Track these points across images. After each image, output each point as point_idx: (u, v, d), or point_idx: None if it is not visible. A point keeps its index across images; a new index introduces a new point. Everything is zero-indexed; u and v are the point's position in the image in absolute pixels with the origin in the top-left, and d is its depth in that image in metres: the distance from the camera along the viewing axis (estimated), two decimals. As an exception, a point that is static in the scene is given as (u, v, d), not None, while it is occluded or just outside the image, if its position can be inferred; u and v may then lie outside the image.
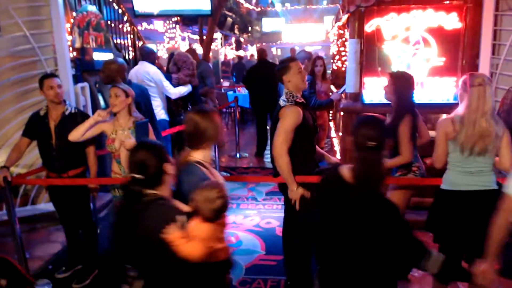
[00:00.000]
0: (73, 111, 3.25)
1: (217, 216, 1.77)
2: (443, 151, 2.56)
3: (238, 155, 6.91)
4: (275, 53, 19.76)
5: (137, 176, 1.80)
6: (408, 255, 1.83)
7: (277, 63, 3.69)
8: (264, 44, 17.37)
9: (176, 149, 4.84)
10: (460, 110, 2.51)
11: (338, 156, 5.00)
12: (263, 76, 6.14)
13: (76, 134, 3.03)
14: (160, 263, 1.78)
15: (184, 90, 5.01)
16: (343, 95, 4.93)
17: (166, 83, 4.78)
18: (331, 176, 1.98)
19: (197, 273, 1.79)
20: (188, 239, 1.71)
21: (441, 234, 2.63)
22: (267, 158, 6.63)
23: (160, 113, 4.73)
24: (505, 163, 2.49)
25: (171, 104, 5.12)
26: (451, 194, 2.55)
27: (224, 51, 15.11)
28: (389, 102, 3.05)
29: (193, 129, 2.08)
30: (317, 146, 3.07)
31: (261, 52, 6.69)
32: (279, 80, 2.83)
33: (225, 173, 6.03)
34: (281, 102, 2.76)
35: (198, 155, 2.09)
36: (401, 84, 2.93)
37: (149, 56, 4.94)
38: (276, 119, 2.75)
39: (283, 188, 2.91)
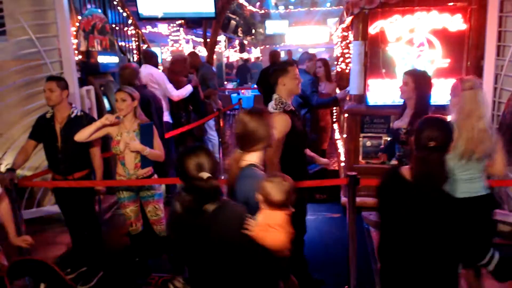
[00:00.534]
0: (79, 114, 3.27)
1: (287, 203, 1.79)
2: None
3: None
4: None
5: (205, 174, 1.72)
6: (472, 251, 1.84)
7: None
8: (267, 46, 17.37)
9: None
10: (452, 116, 2.48)
11: (342, 157, 4.99)
12: None
13: (82, 135, 3.04)
14: (243, 261, 1.77)
15: (185, 92, 5.04)
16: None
17: (169, 86, 4.82)
18: (391, 177, 2.00)
19: (274, 267, 1.82)
20: (268, 229, 1.72)
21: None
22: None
23: (164, 115, 4.76)
24: (499, 168, 2.46)
25: (172, 106, 5.15)
26: None
27: (228, 53, 15.13)
28: (393, 104, 3.05)
29: (243, 130, 2.01)
30: (307, 151, 3.08)
31: (274, 55, 6.74)
32: (274, 82, 2.79)
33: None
34: (270, 109, 2.73)
35: (251, 158, 2.02)
36: (423, 83, 2.92)
37: (151, 59, 4.98)
38: None
39: None
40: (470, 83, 2.42)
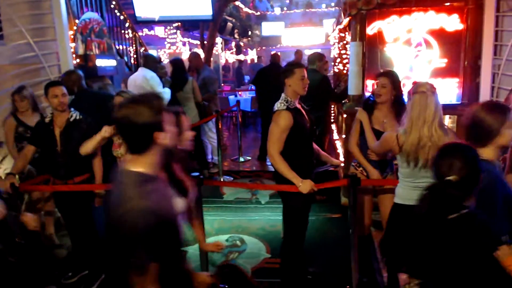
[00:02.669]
0: (78, 117, 3.26)
1: None
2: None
3: (241, 159, 6.92)
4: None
5: (451, 178, 1.60)
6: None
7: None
8: (264, 48, 17.41)
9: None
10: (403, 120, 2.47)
11: (341, 158, 5.00)
12: (273, 78, 6.18)
13: (87, 149, 3.08)
14: (475, 276, 1.62)
15: (167, 96, 5.01)
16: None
17: (160, 90, 4.81)
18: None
19: None
20: None
21: (395, 249, 2.57)
22: (269, 162, 6.63)
23: None
24: None
25: None
26: (405, 209, 2.49)
27: (225, 55, 15.14)
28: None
29: (478, 125, 1.87)
30: (319, 149, 3.13)
31: (275, 56, 6.81)
32: (282, 82, 2.88)
33: (228, 177, 6.04)
34: (274, 107, 2.85)
35: (486, 153, 1.86)
36: (398, 84, 2.98)
37: (149, 63, 4.98)
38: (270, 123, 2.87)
39: (281, 194, 3.01)
40: (423, 87, 2.37)
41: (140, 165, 1.52)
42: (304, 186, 2.74)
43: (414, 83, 2.51)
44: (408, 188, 2.53)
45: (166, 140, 1.51)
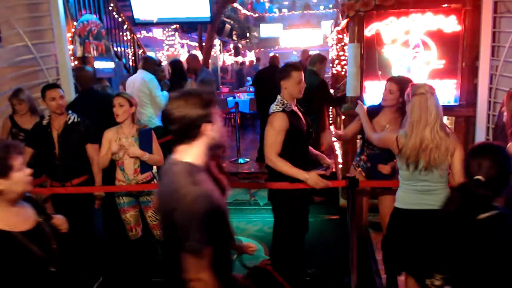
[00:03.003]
0: (75, 120, 3.26)
1: None
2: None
3: (239, 161, 6.91)
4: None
5: (480, 177, 1.61)
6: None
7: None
8: (262, 49, 17.43)
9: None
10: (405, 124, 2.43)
11: (340, 159, 5.01)
12: (272, 80, 6.18)
13: (104, 164, 3.13)
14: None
15: (165, 99, 5.03)
16: None
17: (158, 93, 4.80)
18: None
19: None
20: None
21: (396, 252, 2.56)
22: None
23: (154, 121, 4.77)
24: (457, 180, 2.33)
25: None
26: (406, 213, 2.48)
27: (223, 57, 15.15)
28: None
29: None
30: (313, 149, 3.10)
31: (274, 58, 6.84)
32: (277, 83, 2.86)
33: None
34: (270, 109, 2.83)
35: None
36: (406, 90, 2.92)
37: (149, 65, 4.98)
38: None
39: (272, 196, 2.98)
40: (422, 88, 2.33)
41: (189, 155, 1.58)
42: (312, 178, 2.69)
43: (412, 85, 2.48)
44: (408, 192, 2.49)
45: (213, 132, 1.57)
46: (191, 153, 1.58)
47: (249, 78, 13.41)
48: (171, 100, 1.56)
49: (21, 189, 1.74)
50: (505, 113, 2.55)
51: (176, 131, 1.57)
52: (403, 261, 2.51)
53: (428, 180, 2.40)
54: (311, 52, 6.79)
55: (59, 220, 2.07)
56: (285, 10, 17.86)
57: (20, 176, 1.72)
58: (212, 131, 1.57)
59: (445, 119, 4.37)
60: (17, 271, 1.66)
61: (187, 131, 1.56)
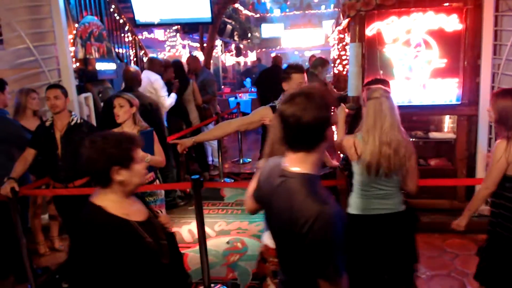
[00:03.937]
0: (78, 121, 3.26)
1: None
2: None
3: (241, 161, 6.92)
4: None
5: None
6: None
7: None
8: (263, 49, 17.42)
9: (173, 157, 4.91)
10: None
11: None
12: (275, 80, 6.19)
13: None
14: None
15: (172, 100, 5.04)
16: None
17: (163, 93, 4.83)
18: None
19: None
20: None
21: (354, 259, 2.44)
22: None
23: None
24: (411, 186, 2.32)
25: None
26: (360, 219, 2.40)
27: (224, 57, 15.14)
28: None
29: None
30: None
31: (277, 58, 6.86)
32: (280, 84, 2.89)
33: (228, 179, 6.04)
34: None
35: None
36: None
37: (155, 66, 5.00)
38: None
39: None
40: (377, 92, 2.27)
41: (304, 165, 1.40)
42: None
43: (368, 89, 2.42)
44: (364, 198, 2.39)
45: (333, 137, 1.46)
46: (307, 162, 1.40)
47: (248, 79, 13.42)
48: (286, 103, 1.37)
49: (139, 181, 1.72)
50: (491, 113, 2.45)
51: (294, 137, 1.38)
52: (355, 266, 2.46)
53: (387, 185, 2.34)
54: (310, 53, 6.82)
55: (166, 219, 2.02)
56: (286, 10, 17.85)
57: (140, 168, 1.71)
58: (333, 135, 1.43)
59: (447, 118, 4.40)
60: (134, 259, 1.61)
61: (309, 137, 1.36)
